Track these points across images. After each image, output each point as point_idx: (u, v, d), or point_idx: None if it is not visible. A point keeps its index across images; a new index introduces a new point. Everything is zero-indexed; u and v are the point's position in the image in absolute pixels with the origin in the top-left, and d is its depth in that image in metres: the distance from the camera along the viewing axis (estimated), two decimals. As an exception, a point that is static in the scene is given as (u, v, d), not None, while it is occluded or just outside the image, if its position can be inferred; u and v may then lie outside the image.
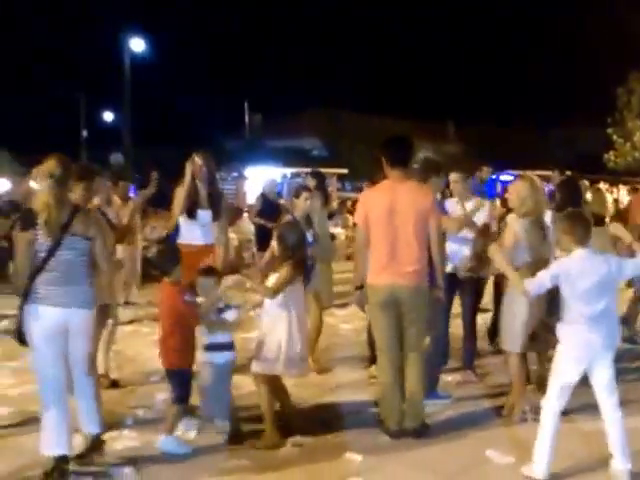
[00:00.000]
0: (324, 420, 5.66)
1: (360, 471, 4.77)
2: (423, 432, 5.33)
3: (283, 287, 5.16)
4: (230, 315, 5.33)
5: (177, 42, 58.46)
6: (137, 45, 28.96)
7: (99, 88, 41.12)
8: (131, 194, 11.57)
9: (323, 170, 10.71)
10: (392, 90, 51.96)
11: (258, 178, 20.03)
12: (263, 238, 8.67)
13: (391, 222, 5.26)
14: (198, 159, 6.84)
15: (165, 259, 5.31)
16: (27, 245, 4.57)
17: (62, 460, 4.59)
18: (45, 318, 4.57)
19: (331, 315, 8.76)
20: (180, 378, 5.14)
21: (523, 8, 49.18)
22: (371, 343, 6.79)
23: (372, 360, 6.84)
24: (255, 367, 5.23)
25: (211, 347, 5.28)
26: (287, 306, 5.20)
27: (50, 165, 4.67)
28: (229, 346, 5.34)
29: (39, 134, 46.36)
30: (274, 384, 5.28)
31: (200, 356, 5.29)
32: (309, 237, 6.61)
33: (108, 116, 40.68)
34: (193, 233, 6.82)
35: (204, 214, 6.84)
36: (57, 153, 4.79)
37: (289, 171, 23.62)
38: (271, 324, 5.22)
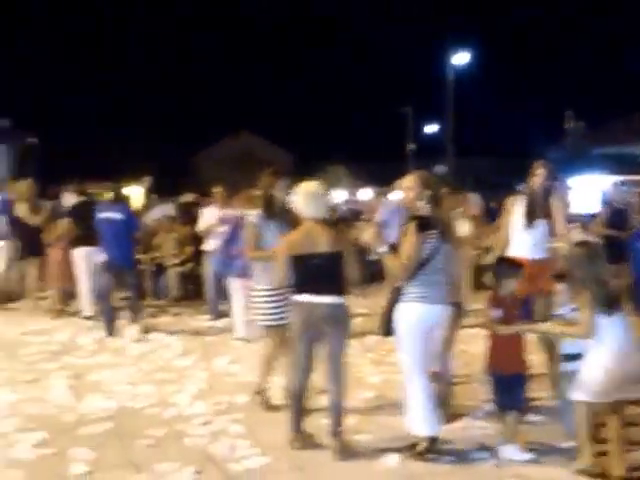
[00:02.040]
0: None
1: None
2: None
3: (592, 321, 4.81)
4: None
5: (497, 54, 59.04)
6: (460, 59, 29.89)
7: (424, 102, 42.91)
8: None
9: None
10: None
11: (583, 188, 19.64)
12: (613, 250, 7.66)
13: None
14: (539, 168, 6.84)
15: (499, 271, 5.38)
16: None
17: (432, 441, 5.13)
18: (421, 314, 5.12)
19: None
20: (495, 384, 5.24)
21: None
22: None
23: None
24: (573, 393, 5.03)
25: (564, 357, 5.30)
26: (600, 340, 4.83)
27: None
28: (578, 357, 5.06)
29: (370, 148, 49.50)
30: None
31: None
32: None
33: (431, 128, 42.11)
34: (526, 246, 6.74)
35: (541, 224, 6.77)
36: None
37: (617, 179, 22.65)
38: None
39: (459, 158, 33.23)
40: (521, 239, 6.80)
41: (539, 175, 6.82)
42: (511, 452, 5.13)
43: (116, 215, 9.46)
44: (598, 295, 4.84)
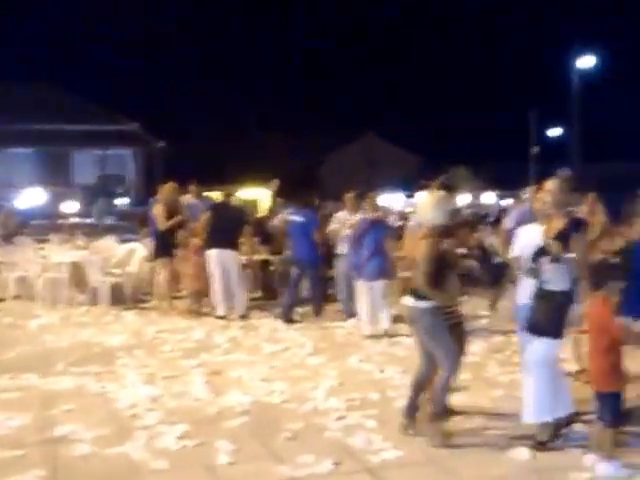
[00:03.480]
0: None
1: None
2: None
3: None
4: None
5: (625, 56, 57.17)
6: (585, 62, 29.16)
7: (548, 105, 42.00)
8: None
9: None
10: None
11: None
12: None
13: None
14: None
15: (604, 272, 5.23)
16: None
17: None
18: None
19: None
20: (609, 401, 4.90)
21: None
22: None
23: None
24: None
25: None
26: None
27: None
28: None
29: (490, 150, 48.91)
30: None
31: None
32: None
33: (553, 132, 41.11)
34: None
35: None
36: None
37: None
38: None
39: (587, 162, 32.39)
40: None
41: None
42: (607, 470, 4.79)
43: (297, 218, 10.51)
44: None
